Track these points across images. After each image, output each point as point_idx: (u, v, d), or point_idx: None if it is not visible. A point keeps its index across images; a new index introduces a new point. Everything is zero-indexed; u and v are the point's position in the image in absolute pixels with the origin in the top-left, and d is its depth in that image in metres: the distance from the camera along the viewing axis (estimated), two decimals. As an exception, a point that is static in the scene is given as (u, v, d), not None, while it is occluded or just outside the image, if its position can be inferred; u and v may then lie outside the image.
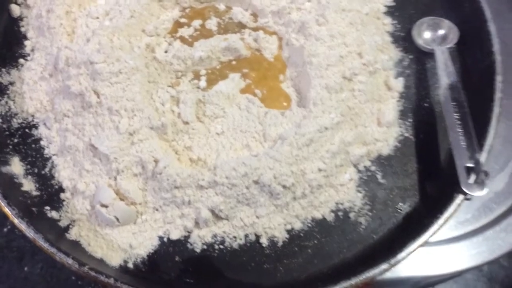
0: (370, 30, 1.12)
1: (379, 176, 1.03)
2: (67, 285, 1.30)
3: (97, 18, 1.08)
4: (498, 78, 1.04)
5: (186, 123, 1.01)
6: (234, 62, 1.09)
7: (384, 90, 1.10)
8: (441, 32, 1.15)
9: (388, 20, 1.18)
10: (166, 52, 1.07)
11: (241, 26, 1.13)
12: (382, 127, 1.05)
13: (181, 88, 1.04)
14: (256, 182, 0.94)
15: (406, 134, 1.07)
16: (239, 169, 0.93)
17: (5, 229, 1.29)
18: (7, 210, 0.88)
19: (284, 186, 0.94)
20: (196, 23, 1.11)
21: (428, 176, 1.03)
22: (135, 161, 0.95)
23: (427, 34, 1.15)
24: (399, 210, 1.00)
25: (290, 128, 0.99)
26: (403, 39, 1.17)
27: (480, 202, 1.16)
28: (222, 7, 1.14)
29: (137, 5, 1.06)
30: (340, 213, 0.99)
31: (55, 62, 1.03)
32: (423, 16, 1.18)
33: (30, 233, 0.87)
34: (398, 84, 1.10)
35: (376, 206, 1.00)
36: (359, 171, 1.03)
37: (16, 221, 0.87)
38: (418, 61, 1.15)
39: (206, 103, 1.03)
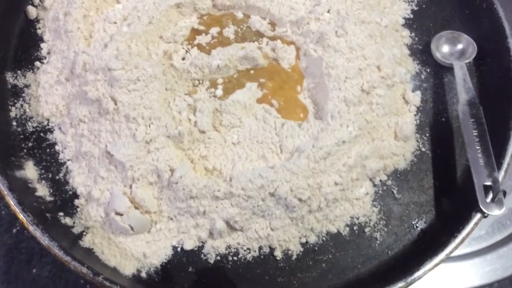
0: (388, 43, 1.11)
1: (395, 191, 1.02)
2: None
3: (115, 23, 1.07)
4: (517, 96, 1.03)
5: (203, 132, 1.00)
6: (251, 71, 1.09)
7: (401, 104, 1.09)
8: (459, 46, 1.14)
9: (406, 33, 1.17)
10: (183, 59, 1.06)
11: (259, 34, 1.12)
12: (399, 141, 1.05)
13: (198, 96, 1.03)
14: (272, 195, 0.93)
15: (423, 149, 1.06)
16: (256, 181, 0.92)
17: (14, 230, 1.28)
18: (21, 216, 0.87)
19: (300, 199, 0.93)
20: (214, 30, 1.11)
21: (444, 192, 1.02)
22: (151, 169, 0.94)
23: (446, 48, 1.15)
24: (415, 227, 0.99)
25: (307, 140, 0.98)
26: (421, 52, 1.16)
27: (494, 218, 1.16)
28: (240, 15, 1.14)
29: (156, 12, 1.06)
30: (355, 228, 0.99)
31: (72, 67, 1.02)
32: (442, 30, 1.17)
33: (44, 240, 0.86)
34: (416, 98, 1.09)
35: (392, 221, 1.00)
36: (375, 185, 1.02)
37: (31, 228, 0.86)
38: (435, 75, 1.14)
39: (222, 112, 1.02)
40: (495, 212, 0.91)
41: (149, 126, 0.95)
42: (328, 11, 1.10)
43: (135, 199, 0.93)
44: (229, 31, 1.11)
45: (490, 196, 0.92)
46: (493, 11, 1.12)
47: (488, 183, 0.93)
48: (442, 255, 0.89)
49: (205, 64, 1.04)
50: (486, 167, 0.94)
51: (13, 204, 0.88)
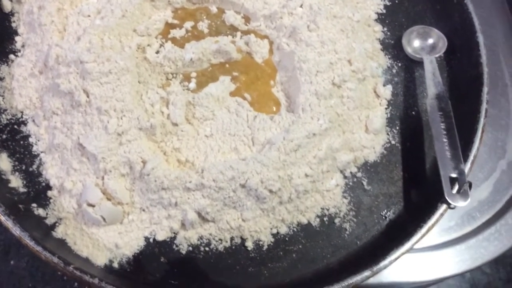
0: (360, 37, 1.13)
1: (365, 183, 1.04)
2: (52, 279, 1.30)
3: (89, 16, 1.07)
4: (485, 90, 1.05)
5: (175, 124, 1.01)
6: (225, 65, 1.10)
7: (372, 97, 1.11)
8: (430, 41, 1.16)
9: (378, 27, 1.19)
10: (157, 53, 1.07)
11: (232, 29, 1.14)
12: (370, 134, 1.07)
13: (171, 89, 1.04)
14: (243, 186, 0.94)
15: (393, 142, 1.08)
16: (227, 172, 0.94)
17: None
18: (-8, 207, 0.88)
19: (270, 191, 0.95)
20: (188, 24, 1.12)
21: (413, 184, 1.04)
22: (123, 161, 0.95)
23: (416, 43, 1.17)
24: (383, 217, 1.01)
25: (278, 133, 1.00)
26: (393, 47, 1.18)
27: (464, 210, 1.18)
28: (214, 9, 1.15)
29: (129, 5, 1.06)
30: (325, 219, 1.00)
31: (45, 60, 1.03)
32: (414, 25, 1.19)
33: (16, 231, 0.87)
34: (387, 92, 1.11)
35: (361, 212, 1.01)
36: (346, 177, 1.04)
37: (2, 218, 0.87)
38: (406, 69, 1.16)
39: (195, 105, 1.03)
40: (460, 203, 0.93)
41: (121, 119, 0.96)
42: (301, 6, 1.12)
43: (107, 190, 0.94)
44: (203, 25, 1.13)
45: (456, 187, 0.94)
46: (463, 6, 1.14)
47: (454, 175, 0.95)
48: (407, 245, 0.91)
49: (179, 58, 1.06)
50: (452, 159, 0.96)
51: (-17, 195, 0.89)
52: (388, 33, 1.19)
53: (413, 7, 1.23)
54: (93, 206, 0.93)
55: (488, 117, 1.05)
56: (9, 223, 0.87)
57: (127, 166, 0.95)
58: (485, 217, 1.18)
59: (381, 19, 1.21)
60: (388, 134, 1.09)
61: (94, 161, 0.95)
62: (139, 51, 1.06)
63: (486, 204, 1.19)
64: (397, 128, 1.09)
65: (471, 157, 1.00)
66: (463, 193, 0.94)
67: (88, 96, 0.97)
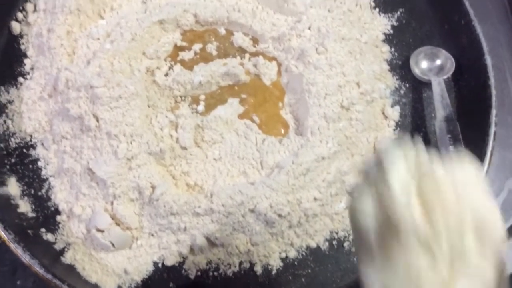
0: (368, 59, 1.13)
1: (373, 206, 1.04)
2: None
3: (98, 39, 1.08)
4: (493, 112, 1.05)
5: (184, 148, 1.01)
6: (233, 87, 1.10)
7: (380, 119, 1.11)
8: (438, 62, 1.16)
9: (386, 48, 1.19)
10: (166, 75, 1.07)
11: (241, 50, 1.14)
12: (378, 156, 1.06)
13: (180, 112, 1.04)
14: (252, 211, 0.94)
15: (401, 164, 1.08)
16: (236, 197, 0.94)
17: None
18: (3, 234, 0.88)
19: (279, 215, 0.95)
20: (197, 46, 1.12)
21: (422, 207, 1.04)
22: (132, 186, 0.95)
23: (424, 64, 1.17)
24: (392, 241, 1.01)
25: (287, 156, 1.00)
26: (400, 67, 1.18)
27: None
28: (222, 31, 1.15)
29: (139, 28, 1.07)
30: (334, 242, 1.00)
31: (55, 83, 1.03)
32: (421, 45, 1.19)
33: (25, 258, 0.87)
34: (395, 113, 1.11)
35: (370, 236, 1.01)
36: (354, 200, 1.04)
37: (12, 246, 0.87)
38: (414, 90, 1.16)
39: (204, 128, 1.03)
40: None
41: (131, 143, 0.96)
42: (309, 28, 1.12)
43: (116, 215, 0.94)
44: (212, 47, 1.13)
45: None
46: (471, 28, 1.13)
47: (463, 199, 0.94)
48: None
49: (187, 81, 1.06)
50: (461, 183, 0.96)
51: (-7, 222, 0.89)
52: (396, 54, 1.19)
53: (420, 28, 1.23)
54: (102, 231, 0.93)
55: (496, 137, 1.05)
56: (19, 251, 0.87)
57: (136, 191, 0.95)
58: (493, 238, 1.17)
59: (389, 39, 1.21)
60: (396, 156, 1.08)
61: (104, 186, 0.95)
62: (148, 74, 1.06)
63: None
64: (405, 150, 1.09)
65: (480, 181, 0.99)
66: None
67: (98, 121, 0.97)
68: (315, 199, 0.97)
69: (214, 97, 1.09)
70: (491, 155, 1.03)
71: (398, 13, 1.23)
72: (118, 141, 0.96)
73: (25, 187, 1.00)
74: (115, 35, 1.06)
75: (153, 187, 0.95)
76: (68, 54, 1.07)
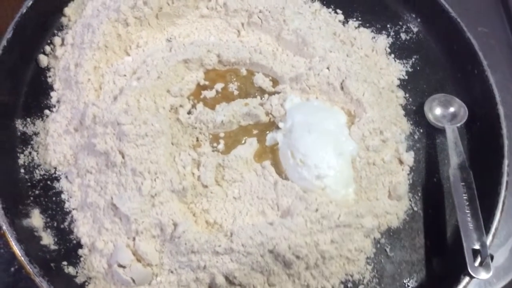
0: (385, 104, 1.16)
1: (388, 249, 1.06)
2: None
3: (124, 75, 1.11)
4: (506, 162, 1.08)
5: (205, 186, 1.03)
6: (252, 126, 1.13)
7: (395, 163, 1.13)
8: (451, 109, 1.19)
9: (401, 93, 1.23)
10: (188, 113, 1.10)
11: (261, 90, 1.17)
12: (393, 200, 1.09)
13: (202, 150, 1.07)
14: (271, 251, 0.96)
15: (415, 208, 1.10)
16: (256, 237, 0.95)
17: (12, 269, 1.28)
18: (28, 268, 0.89)
19: (297, 257, 0.96)
20: (219, 86, 1.15)
21: (435, 252, 1.06)
22: (154, 223, 0.97)
23: (438, 111, 1.20)
24: (406, 286, 1.03)
25: (299, 201, 1.02)
26: (415, 113, 1.22)
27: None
28: (244, 71, 1.18)
29: (165, 67, 1.10)
30: (349, 285, 1.02)
31: (82, 118, 1.06)
32: (435, 92, 1.23)
33: (49, 292, 0.88)
34: (409, 158, 1.14)
35: (384, 279, 1.03)
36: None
37: (37, 279, 0.89)
38: (428, 136, 1.19)
39: (225, 167, 1.06)
40: (483, 276, 0.95)
41: (155, 181, 0.98)
42: (328, 68, 1.16)
43: (138, 251, 0.95)
44: (233, 87, 1.16)
45: (479, 260, 0.97)
46: (484, 78, 1.18)
47: (477, 247, 0.97)
48: (430, 316, 0.93)
49: (210, 120, 1.09)
50: (475, 231, 0.99)
51: (20, 255, 0.91)
52: (410, 99, 1.23)
53: (434, 75, 1.27)
54: (124, 267, 0.94)
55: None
56: (43, 285, 0.88)
57: (158, 228, 0.97)
58: (501, 283, 1.19)
59: (403, 85, 1.24)
60: (410, 200, 1.11)
61: (127, 222, 0.97)
62: (171, 111, 1.09)
63: (502, 270, 1.21)
64: (419, 194, 1.12)
65: (492, 230, 1.03)
66: (485, 266, 0.96)
67: (123, 157, 0.99)
68: (332, 241, 0.99)
69: (232, 136, 1.12)
70: (504, 204, 1.05)
71: (413, 59, 1.28)
72: (142, 178, 0.98)
73: (48, 219, 1.02)
74: (141, 72, 1.09)
75: (175, 225, 0.97)
76: (95, 89, 1.10)
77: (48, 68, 1.16)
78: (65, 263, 0.98)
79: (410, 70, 1.27)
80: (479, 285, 1.18)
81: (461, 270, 0.97)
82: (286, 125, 1.11)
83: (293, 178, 1.05)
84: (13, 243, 0.91)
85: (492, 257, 0.97)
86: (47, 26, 1.19)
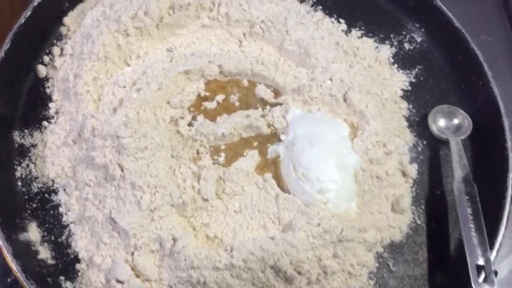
0: (388, 115, 1.15)
1: (390, 264, 1.04)
2: None
3: (124, 87, 1.10)
4: (510, 176, 1.06)
5: (206, 200, 1.02)
6: (253, 138, 1.12)
7: (399, 176, 1.12)
8: (455, 121, 1.18)
9: (404, 104, 1.21)
10: (189, 125, 1.09)
11: (262, 101, 1.16)
12: (396, 213, 1.07)
13: (202, 163, 1.05)
14: (272, 267, 0.95)
15: (418, 222, 1.09)
16: (257, 253, 0.94)
17: (9, 280, 1.27)
18: (25, 284, 0.88)
19: (299, 272, 0.95)
20: (220, 97, 1.14)
21: (438, 267, 1.05)
22: (153, 238, 0.95)
23: (442, 122, 1.18)
24: (409, 301, 1.01)
25: (301, 216, 1.00)
26: (418, 124, 1.20)
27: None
28: (245, 82, 1.17)
29: (165, 78, 1.09)
30: (351, 301, 1.00)
31: (80, 130, 1.04)
32: (438, 103, 1.21)
33: (46, 308, 0.87)
34: (413, 170, 1.13)
35: (387, 295, 1.02)
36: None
37: (34, 296, 0.87)
38: (431, 148, 1.18)
39: (226, 181, 1.04)
40: (487, 291, 0.94)
41: (154, 195, 0.97)
42: (330, 79, 1.14)
43: (137, 267, 0.94)
44: (234, 98, 1.15)
45: (483, 275, 0.95)
46: (489, 90, 1.16)
47: (481, 263, 0.95)
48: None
49: (211, 132, 1.07)
50: (479, 246, 0.97)
51: (16, 271, 0.89)
52: (414, 110, 1.21)
53: (437, 85, 1.25)
54: (122, 282, 0.93)
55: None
56: (40, 302, 0.87)
57: (157, 243, 0.95)
58: (505, 296, 1.18)
59: (407, 96, 1.23)
60: (413, 213, 1.09)
61: (125, 237, 0.95)
62: (171, 123, 1.08)
63: (506, 283, 1.19)
64: (422, 207, 1.10)
65: (496, 245, 1.01)
66: (489, 282, 0.94)
67: (122, 171, 0.98)
68: (334, 256, 0.98)
69: (233, 148, 1.10)
70: (508, 219, 1.04)
71: (416, 69, 1.26)
72: (142, 192, 0.96)
73: (46, 233, 1.00)
74: (141, 84, 1.08)
75: (174, 239, 0.95)
76: (94, 101, 1.08)
77: (46, 79, 1.15)
78: (62, 278, 0.96)
79: (413, 80, 1.25)
80: (484, 299, 1.17)
81: (465, 285, 0.95)
82: (288, 138, 1.09)
83: (295, 191, 1.03)
84: (10, 259, 0.90)
85: (496, 273, 0.96)
86: (46, 36, 1.18)
